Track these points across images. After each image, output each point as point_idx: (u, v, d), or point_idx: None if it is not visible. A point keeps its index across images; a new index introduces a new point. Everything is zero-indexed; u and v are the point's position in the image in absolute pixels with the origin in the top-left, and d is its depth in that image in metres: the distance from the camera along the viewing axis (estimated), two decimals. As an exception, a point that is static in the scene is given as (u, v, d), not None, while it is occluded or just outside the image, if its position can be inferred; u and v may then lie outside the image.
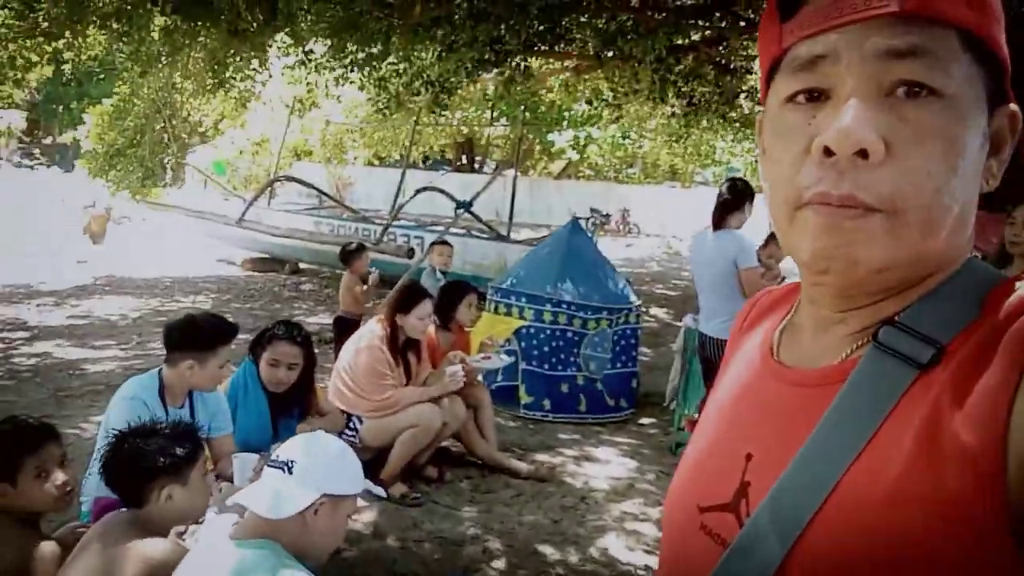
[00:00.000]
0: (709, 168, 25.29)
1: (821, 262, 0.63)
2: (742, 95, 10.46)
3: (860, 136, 0.58)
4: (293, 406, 3.36)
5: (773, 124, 0.67)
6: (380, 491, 1.99)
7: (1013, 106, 0.66)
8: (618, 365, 5.54)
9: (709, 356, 4.33)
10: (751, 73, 9.72)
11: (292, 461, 1.71)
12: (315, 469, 1.71)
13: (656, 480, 4.45)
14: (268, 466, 1.76)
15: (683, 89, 9.23)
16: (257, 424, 3.20)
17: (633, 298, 5.76)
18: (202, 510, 2.25)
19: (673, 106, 10.11)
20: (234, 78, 10.02)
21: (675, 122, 12.13)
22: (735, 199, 4.16)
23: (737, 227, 4.17)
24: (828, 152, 0.60)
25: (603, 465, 4.64)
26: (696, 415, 5.00)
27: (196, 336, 2.80)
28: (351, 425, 3.89)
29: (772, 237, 5.89)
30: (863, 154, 0.58)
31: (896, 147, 0.59)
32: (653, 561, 3.45)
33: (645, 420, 5.60)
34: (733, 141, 16.46)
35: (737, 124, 11.59)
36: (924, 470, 0.56)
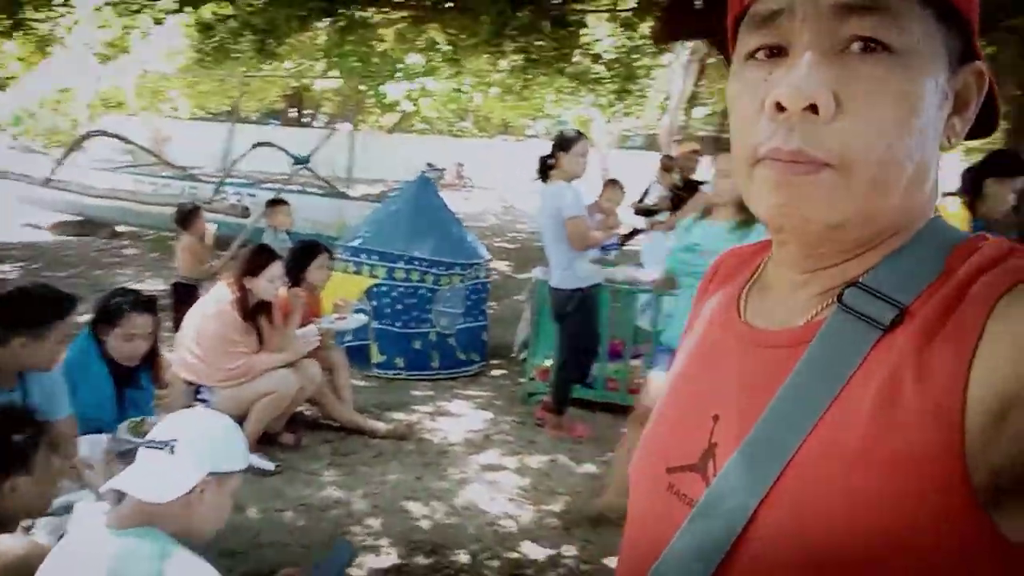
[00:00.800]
0: (541, 121, 25.71)
1: (776, 218, 0.64)
2: (578, 50, 10.65)
3: (810, 91, 0.58)
4: (140, 379, 3.16)
5: (735, 80, 0.67)
6: (267, 464, 1.93)
7: (980, 64, 0.65)
8: (469, 320, 5.61)
9: (554, 306, 4.47)
10: (586, 27, 9.90)
11: (173, 440, 1.62)
12: (199, 447, 1.63)
13: (511, 430, 4.58)
14: (146, 447, 1.65)
15: (521, 43, 9.27)
16: (100, 401, 2.99)
17: (484, 253, 5.82)
18: (50, 499, 2.09)
19: (513, 60, 10.15)
20: (33, 20, 9.00)
21: (513, 77, 12.19)
22: (560, 151, 4.27)
23: (566, 178, 4.28)
24: (780, 108, 0.60)
25: (459, 419, 4.72)
26: (546, 364, 5.18)
27: (28, 310, 2.55)
28: (200, 397, 3.72)
29: (610, 182, 6.12)
30: (814, 109, 0.58)
31: (847, 103, 0.59)
32: (515, 508, 3.57)
33: (496, 372, 5.73)
34: (568, 95, 16.80)
35: (575, 80, 11.80)
36: (887, 430, 0.57)
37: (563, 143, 4.32)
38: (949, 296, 0.59)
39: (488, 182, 22.54)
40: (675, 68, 14.20)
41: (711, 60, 13.25)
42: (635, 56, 12.26)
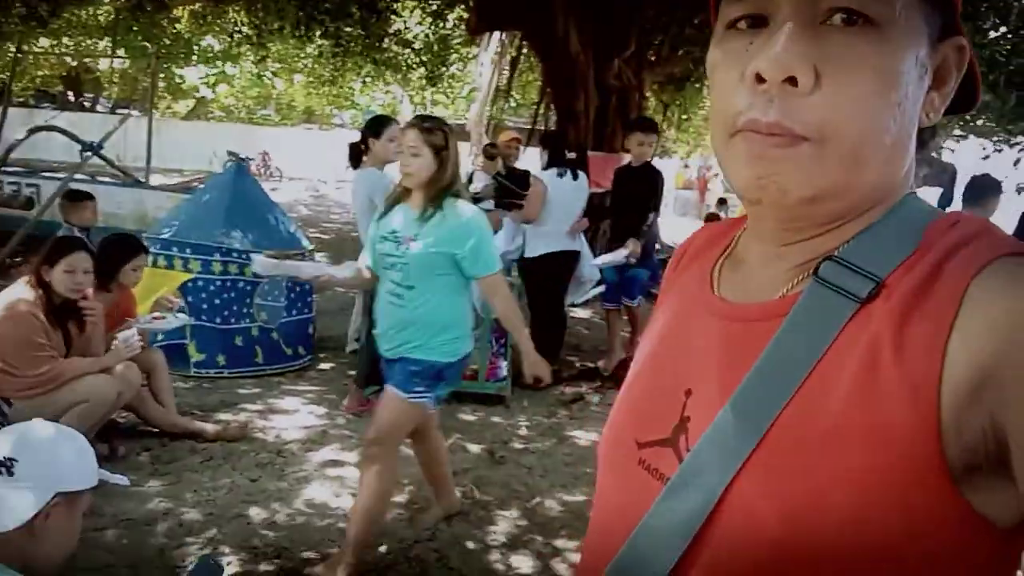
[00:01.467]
0: (347, 110, 25.17)
1: (752, 191, 0.63)
2: (388, 38, 10.51)
3: (789, 63, 0.57)
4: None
5: (716, 49, 0.66)
6: (122, 479, 1.72)
7: (961, 39, 0.65)
8: (293, 312, 5.37)
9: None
10: (397, 15, 9.79)
11: (11, 460, 1.39)
12: (43, 466, 1.41)
13: (347, 424, 4.45)
14: (-22, 468, 1.41)
15: (330, 29, 9.01)
16: None
17: (305, 242, 5.60)
18: None
19: (320, 46, 9.83)
20: None
21: (321, 63, 11.83)
22: (371, 136, 4.20)
23: (378, 164, 4.21)
24: (759, 79, 0.59)
25: (292, 416, 4.51)
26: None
27: None
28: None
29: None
30: (793, 81, 0.58)
31: (827, 75, 0.58)
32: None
33: (325, 366, 5.54)
34: (373, 82, 16.56)
35: (384, 68, 11.65)
36: (863, 404, 0.57)
37: (374, 127, 4.24)
38: (926, 271, 0.59)
39: (296, 171, 21.72)
40: (485, 59, 14.38)
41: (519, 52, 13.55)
42: (446, 45, 12.30)
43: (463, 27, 11.24)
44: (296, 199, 17.70)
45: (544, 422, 4.81)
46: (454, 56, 13.30)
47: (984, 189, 4.69)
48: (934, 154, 7.67)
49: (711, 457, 0.62)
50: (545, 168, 5.50)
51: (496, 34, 12.15)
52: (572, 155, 5.44)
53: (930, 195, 6.19)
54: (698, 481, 0.62)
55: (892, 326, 0.58)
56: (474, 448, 4.27)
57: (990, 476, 0.55)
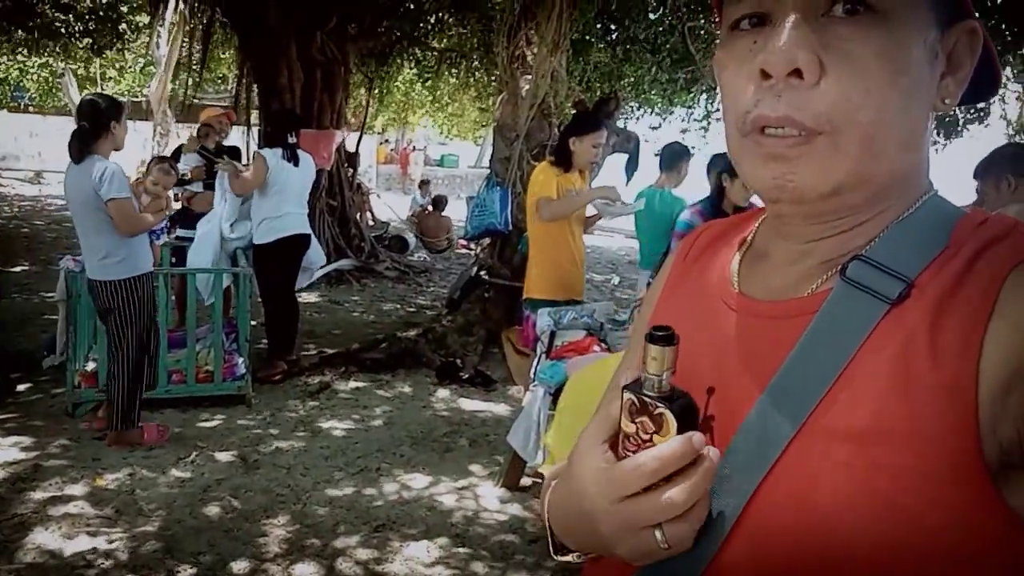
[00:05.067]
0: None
1: (770, 191, 0.62)
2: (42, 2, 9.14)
3: (793, 55, 0.57)
4: None
5: (722, 52, 0.65)
6: None
7: (973, 22, 0.64)
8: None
9: (97, 301, 3.85)
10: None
11: None
12: None
13: (65, 452, 3.86)
14: None
15: None
16: None
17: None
18: None
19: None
20: None
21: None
22: (95, 123, 3.67)
23: (103, 153, 3.70)
24: (765, 75, 0.59)
25: (-9, 453, 3.81)
26: (88, 367, 4.46)
27: None
28: None
29: (157, 160, 5.45)
30: (799, 74, 0.58)
31: (832, 66, 0.58)
32: (101, 542, 3.04)
33: (21, 387, 4.74)
34: (24, 57, 14.37)
35: (40, 36, 10.13)
36: (898, 405, 0.56)
37: (115, 110, 3.69)
38: (958, 271, 0.59)
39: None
40: (165, 29, 13.09)
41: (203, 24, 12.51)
42: (115, 11, 10.99)
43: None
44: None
45: (293, 417, 4.57)
46: (126, 26, 11.90)
47: (676, 155, 5.24)
48: (620, 124, 8.42)
49: (746, 457, 0.61)
50: (265, 148, 5.16)
51: (174, 1, 11.05)
52: (294, 139, 5.15)
53: (619, 161, 6.75)
54: (731, 483, 0.61)
55: (928, 327, 0.58)
56: (223, 456, 3.93)
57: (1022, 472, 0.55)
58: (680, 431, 0.57)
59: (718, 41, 0.67)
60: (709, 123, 10.20)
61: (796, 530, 0.58)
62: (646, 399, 0.58)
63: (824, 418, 0.59)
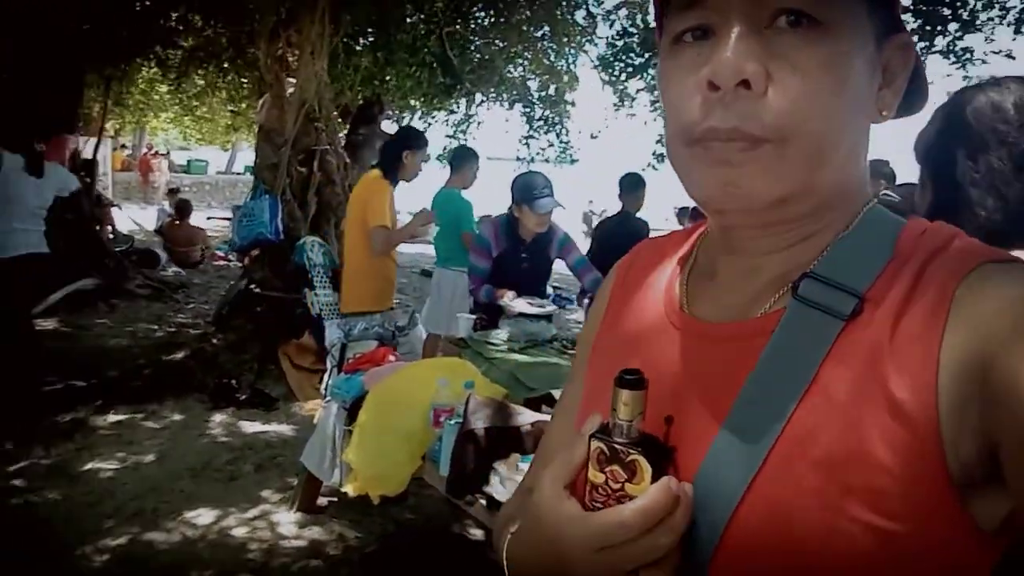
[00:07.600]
0: None
1: (718, 199, 0.62)
2: None
3: (741, 66, 0.57)
4: None
5: (666, 64, 0.64)
6: None
7: (905, 36, 0.65)
8: None
9: None
10: None
11: None
12: None
13: None
14: None
15: None
16: None
17: None
18: None
19: None
20: None
21: None
22: None
23: None
24: (712, 86, 0.59)
25: None
26: None
27: None
28: None
29: None
30: (746, 85, 0.58)
31: (779, 76, 0.58)
32: None
33: None
34: None
35: None
36: (863, 427, 0.56)
37: None
38: (908, 284, 0.60)
39: None
40: None
41: None
42: None
43: None
44: None
45: (45, 462, 4.02)
46: None
47: (463, 157, 5.32)
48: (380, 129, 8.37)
49: (713, 486, 0.59)
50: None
51: None
52: (42, 146, 4.54)
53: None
54: (704, 513, 0.59)
55: (885, 342, 0.58)
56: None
57: (983, 478, 0.55)
58: (654, 478, 0.55)
59: (659, 53, 0.66)
60: (468, 125, 10.47)
61: (773, 557, 0.57)
62: (617, 447, 0.56)
63: (792, 443, 0.58)
